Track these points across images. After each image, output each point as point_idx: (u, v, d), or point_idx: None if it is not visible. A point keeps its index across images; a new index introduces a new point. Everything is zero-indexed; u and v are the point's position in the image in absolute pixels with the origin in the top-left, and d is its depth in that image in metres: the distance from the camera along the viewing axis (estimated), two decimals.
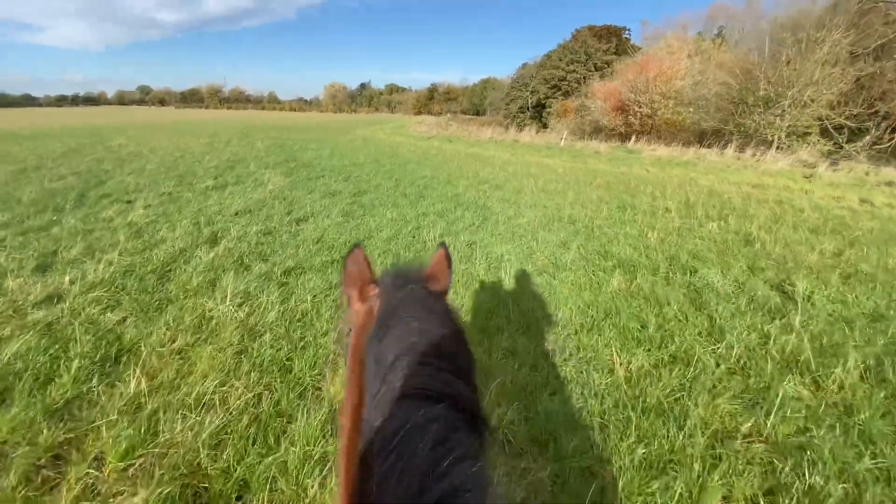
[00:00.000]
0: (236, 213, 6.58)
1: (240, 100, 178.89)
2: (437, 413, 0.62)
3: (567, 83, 45.79)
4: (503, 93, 64.31)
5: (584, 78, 44.68)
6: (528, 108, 53.20)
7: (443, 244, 1.05)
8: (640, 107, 19.61)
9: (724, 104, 17.78)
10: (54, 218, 6.01)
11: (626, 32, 50.29)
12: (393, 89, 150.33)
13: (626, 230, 6.44)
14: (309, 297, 3.87)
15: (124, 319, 3.40)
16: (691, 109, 18.99)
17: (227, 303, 3.69)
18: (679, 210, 7.89)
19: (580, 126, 37.37)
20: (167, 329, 3.26)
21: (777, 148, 15.44)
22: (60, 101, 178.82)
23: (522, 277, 4.60)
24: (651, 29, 54.36)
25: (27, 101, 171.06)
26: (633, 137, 19.73)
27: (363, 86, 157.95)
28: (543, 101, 48.26)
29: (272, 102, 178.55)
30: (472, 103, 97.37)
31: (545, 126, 46.33)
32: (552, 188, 9.62)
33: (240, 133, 23.51)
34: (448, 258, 1.02)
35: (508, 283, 4.47)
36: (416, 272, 0.96)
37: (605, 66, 45.54)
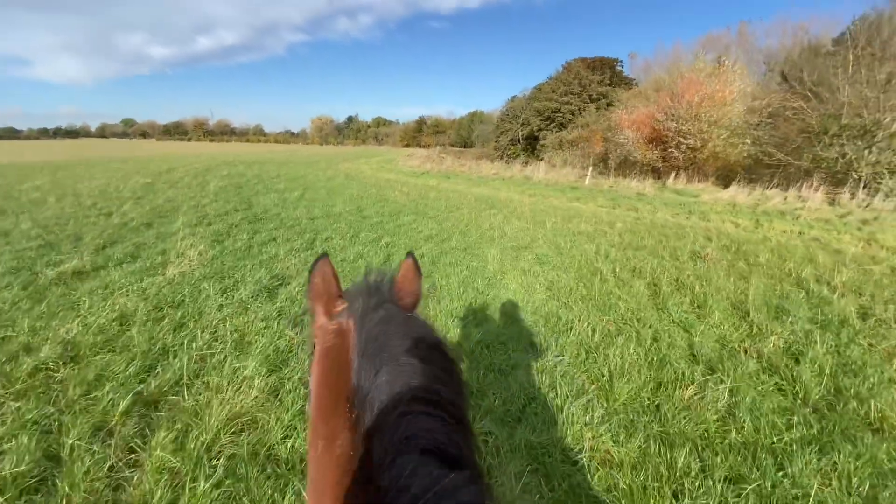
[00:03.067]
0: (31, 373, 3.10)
1: (225, 132, 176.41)
2: (461, 480, 0.55)
3: (561, 115, 44.24)
4: (492, 125, 63.11)
5: (580, 109, 43.32)
6: (519, 140, 52.06)
7: (410, 253, 0.97)
8: (686, 138, 16.83)
9: (792, 134, 15.06)
10: None
11: (619, 64, 49.59)
12: (380, 122, 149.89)
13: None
14: None
15: None
16: (748, 141, 16.24)
17: None
18: None
19: (579, 158, 35.04)
20: None
21: (865, 187, 12.70)
22: (42, 134, 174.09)
23: None
24: (640, 61, 54.09)
25: (10, 133, 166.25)
26: (673, 174, 16.94)
27: (350, 119, 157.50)
28: (536, 134, 46.64)
29: (257, 135, 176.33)
30: (461, 136, 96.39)
31: (540, 159, 44.62)
32: (640, 265, 6.33)
33: (201, 169, 20.12)
34: (417, 268, 0.93)
35: None
36: (387, 286, 0.84)
37: (601, 97, 44.41)
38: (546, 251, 6.58)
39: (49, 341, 3.31)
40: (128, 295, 4.38)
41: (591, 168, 17.54)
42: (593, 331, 3.90)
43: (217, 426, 2.51)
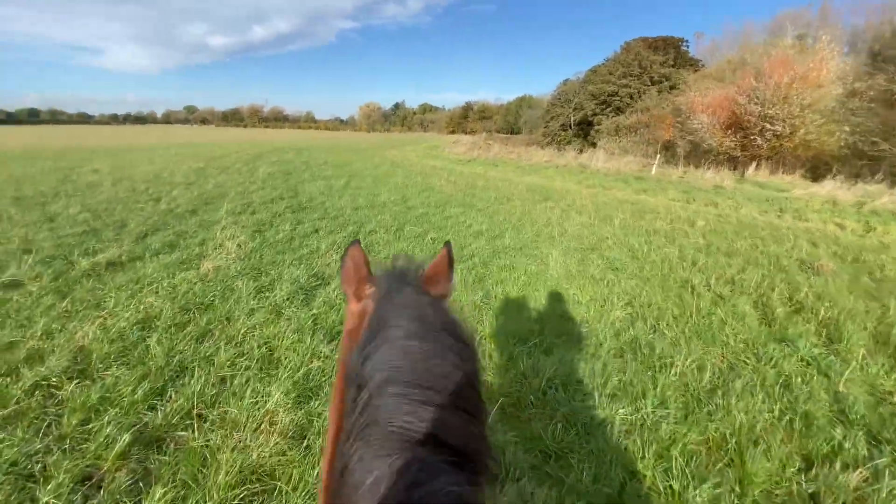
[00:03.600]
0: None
1: (278, 119, 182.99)
2: (418, 457, 0.51)
3: (619, 98, 41.58)
4: (542, 110, 60.68)
5: (639, 92, 40.57)
6: (570, 126, 49.87)
7: (448, 244, 0.93)
8: (773, 123, 14.77)
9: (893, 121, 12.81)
10: None
11: (684, 44, 45.72)
12: (426, 108, 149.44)
13: None
14: None
15: None
16: (846, 128, 13.98)
17: None
18: None
19: (638, 145, 32.76)
20: None
21: None
22: (112, 119, 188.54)
23: None
24: (707, 41, 50.03)
25: (83, 118, 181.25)
26: (753, 164, 14.98)
27: (397, 105, 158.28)
28: (590, 119, 44.21)
29: (308, 122, 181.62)
30: (507, 122, 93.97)
31: (593, 145, 42.62)
32: (738, 276, 5.30)
33: (252, 155, 20.41)
34: (451, 259, 0.90)
35: None
36: (415, 272, 0.83)
37: (664, 79, 41.40)
38: (618, 254, 5.64)
39: (59, 349, 2.93)
40: (157, 292, 4.01)
41: (658, 156, 15.87)
42: (699, 369, 3.04)
43: (226, 484, 1.97)
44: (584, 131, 45.67)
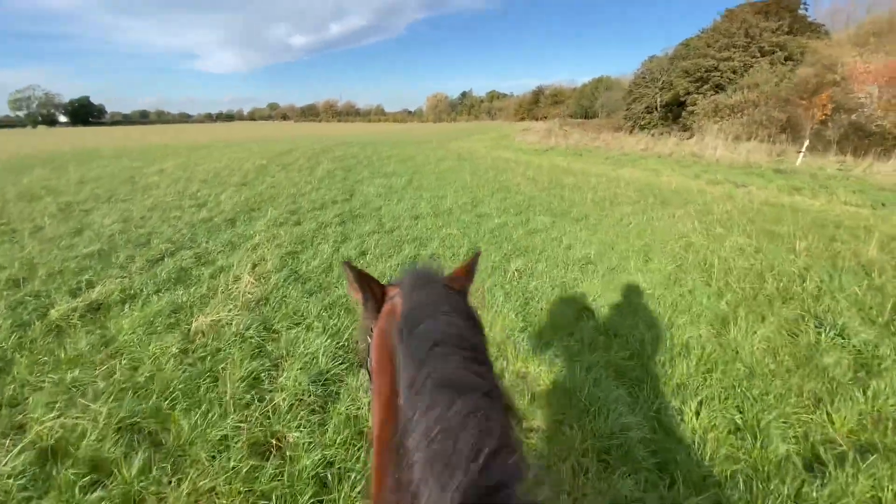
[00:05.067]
0: None
1: (350, 113, 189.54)
2: (477, 404, 0.60)
3: (719, 74, 36.08)
4: (623, 92, 55.20)
5: (745, 66, 34.89)
6: (656, 108, 44.82)
7: (478, 252, 1.06)
8: None
9: None
10: None
11: (803, 6, 38.37)
12: (494, 96, 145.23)
13: None
14: None
15: None
16: None
17: None
18: None
19: (748, 126, 27.97)
20: None
21: None
22: (207, 118, 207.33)
23: None
24: (829, 3, 42.05)
25: (183, 118, 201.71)
26: None
27: (464, 94, 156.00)
28: (683, 98, 38.99)
29: (378, 115, 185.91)
30: (581, 105, 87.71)
31: (685, 129, 37.92)
32: None
33: (318, 150, 19.78)
34: (473, 268, 1.01)
35: None
36: (436, 273, 0.93)
37: (776, 48, 35.36)
38: (852, 320, 3.31)
39: None
40: (108, 379, 2.64)
41: (806, 143, 12.26)
42: None
43: None
44: (675, 113, 40.52)
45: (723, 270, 4.25)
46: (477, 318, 0.82)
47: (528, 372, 2.63)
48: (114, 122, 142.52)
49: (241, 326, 3.27)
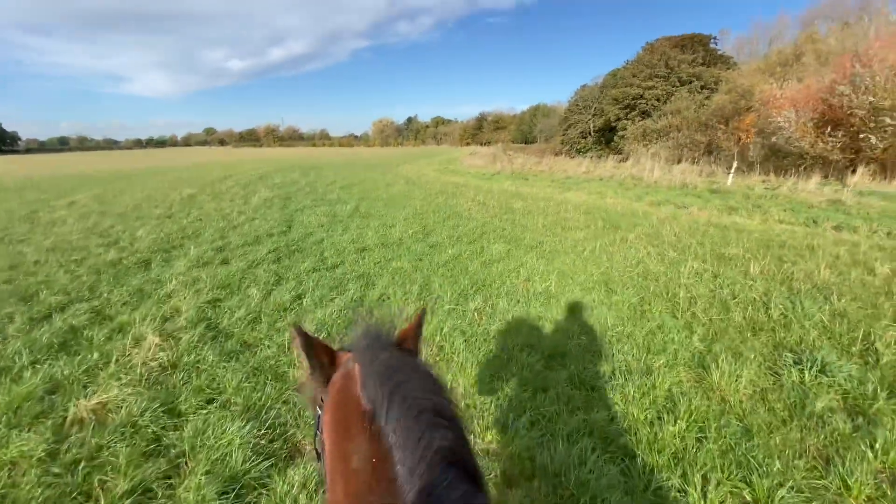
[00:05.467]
0: None
1: (293, 137, 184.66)
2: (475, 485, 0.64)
3: (645, 101, 39.13)
4: (558, 118, 58.44)
5: (667, 94, 38.11)
6: (590, 133, 47.93)
7: (423, 310, 1.04)
8: (894, 118, 11.90)
9: None
10: None
11: (713, 41, 42.98)
12: (439, 122, 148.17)
13: None
14: None
15: None
16: None
17: None
18: None
19: (674, 150, 30.27)
20: None
21: None
22: (136, 144, 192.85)
23: None
24: (734, 38, 48.18)
25: (109, 144, 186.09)
26: (860, 170, 12.12)
27: (410, 119, 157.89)
28: (613, 124, 41.82)
29: (323, 139, 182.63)
30: (521, 131, 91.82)
31: (619, 152, 40.57)
32: None
33: (255, 177, 18.61)
34: (421, 324, 0.99)
35: None
36: (387, 334, 0.89)
37: (693, 78, 39.05)
38: (829, 354, 3.16)
39: None
40: None
41: (734, 164, 13.07)
42: None
43: None
44: (607, 137, 43.34)
45: (686, 300, 4.09)
46: (444, 383, 0.81)
47: (500, 451, 2.17)
48: (28, 150, 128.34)
49: (136, 410, 2.55)
